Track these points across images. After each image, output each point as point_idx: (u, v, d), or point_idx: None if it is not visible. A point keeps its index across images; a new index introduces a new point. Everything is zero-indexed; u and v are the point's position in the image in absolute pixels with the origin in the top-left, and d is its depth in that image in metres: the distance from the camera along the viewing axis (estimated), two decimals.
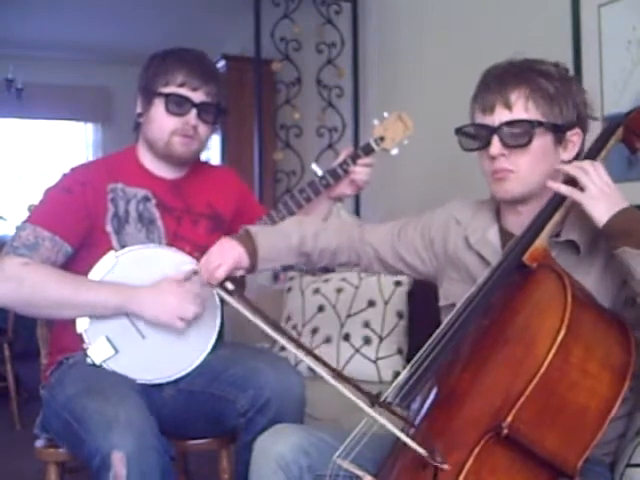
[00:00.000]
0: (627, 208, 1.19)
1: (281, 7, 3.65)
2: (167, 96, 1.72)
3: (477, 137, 1.36)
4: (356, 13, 3.69)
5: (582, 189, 1.21)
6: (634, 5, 2.13)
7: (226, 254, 1.46)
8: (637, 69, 2.11)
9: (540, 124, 1.29)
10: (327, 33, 3.75)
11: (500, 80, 1.32)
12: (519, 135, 1.30)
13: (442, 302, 1.49)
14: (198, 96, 1.74)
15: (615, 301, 1.27)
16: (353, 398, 1.19)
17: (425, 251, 1.54)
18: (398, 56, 3.39)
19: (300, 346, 1.30)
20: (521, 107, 1.30)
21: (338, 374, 1.28)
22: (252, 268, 1.51)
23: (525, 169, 1.31)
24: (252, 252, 1.49)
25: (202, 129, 1.77)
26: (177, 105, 1.72)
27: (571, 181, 1.23)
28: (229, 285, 1.45)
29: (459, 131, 1.40)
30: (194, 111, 1.73)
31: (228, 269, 1.45)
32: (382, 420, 1.16)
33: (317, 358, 1.29)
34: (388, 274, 1.67)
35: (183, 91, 1.73)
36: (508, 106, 1.30)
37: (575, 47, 2.29)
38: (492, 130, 1.31)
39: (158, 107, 1.74)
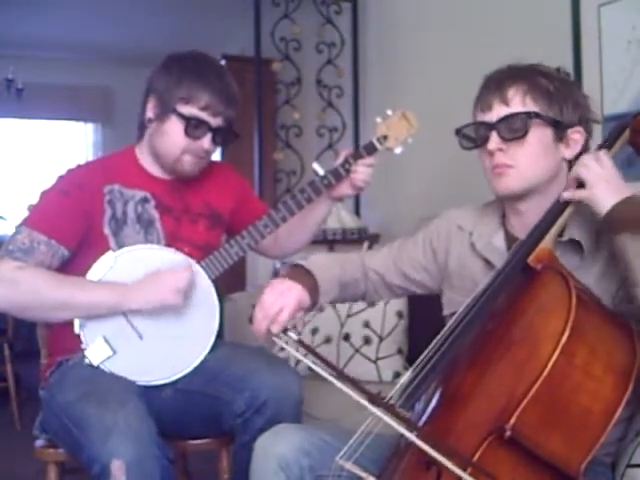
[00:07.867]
0: (630, 197, 1.18)
1: (281, 7, 3.65)
2: (188, 119, 1.69)
3: (476, 135, 1.35)
4: (356, 13, 3.70)
5: (584, 184, 1.21)
6: (634, 5, 2.14)
7: (286, 295, 1.32)
8: (637, 69, 2.11)
9: (537, 115, 1.28)
10: (327, 33, 3.75)
11: (499, 80, 1.32)
12: (516, 128, 1.28)
13: (446, 311, 1.47)
14: (216, 121, 1.72)
15: (614, 300, 1.26)
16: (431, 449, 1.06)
17: (429, 263, 1.51)
18: (398, 56, 3.39)
19: (373, 398, 1.15)
20: (519, 102, 1.29)
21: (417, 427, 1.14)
22: (312, 306, 1.39)
23: (524, 164, 1.30)
24: (312, 288, 1.38)
25: (212, 149, 1.76)
26: (195, 128, 1.70)
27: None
28: (293, 334, 1.27)
29: (459, 132, 1.39)
30: (209, 135, 1.71)
31: (291, 311, 1.31)
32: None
33: (389, 407, 1.15)
34: (395, 298, 1.58)
35: (204, 115, 1.70)
36: (505, 102, 1.29)
37: (575, 47, 2.29)
38: (490, 126, 1.30)
39: (175, 125, 1.71)
